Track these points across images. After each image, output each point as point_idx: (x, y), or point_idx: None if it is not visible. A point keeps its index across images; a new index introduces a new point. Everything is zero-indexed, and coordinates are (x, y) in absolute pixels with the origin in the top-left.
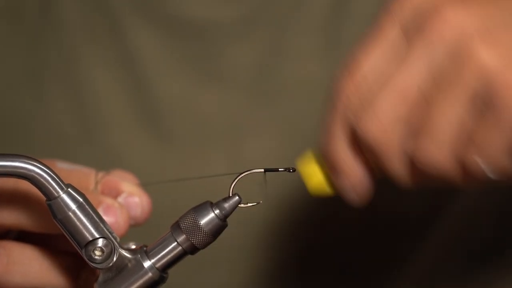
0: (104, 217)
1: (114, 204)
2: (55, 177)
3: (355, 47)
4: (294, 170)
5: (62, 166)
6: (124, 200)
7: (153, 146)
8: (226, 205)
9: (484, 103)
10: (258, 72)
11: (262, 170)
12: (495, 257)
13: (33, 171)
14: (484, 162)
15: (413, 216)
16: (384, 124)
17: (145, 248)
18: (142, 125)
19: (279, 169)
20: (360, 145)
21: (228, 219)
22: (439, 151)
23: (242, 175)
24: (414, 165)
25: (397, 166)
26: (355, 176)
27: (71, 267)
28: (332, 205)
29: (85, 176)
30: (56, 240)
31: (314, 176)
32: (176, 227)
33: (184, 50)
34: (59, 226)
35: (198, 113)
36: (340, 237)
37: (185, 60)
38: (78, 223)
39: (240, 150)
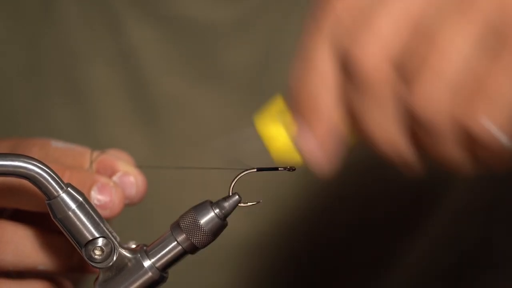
0: (99, 196)
1: (109, 183)
2: (55, 176)
3: None
4: (293, 169)
5: (56, 145)
6: (119, 179)
7: (149, 144)
8: (226, 204)
9: (500, 38)
10: (255, 73)
11: (262, 169)
12: (483, 258)
13: (33, 170)
14: (496, 120)
15: (402, 215)
16: (385, 49)
17: (145, 248)
18: (139, 123)
19: (279, 168)
20: (347, 80)
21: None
22: (438, 98)
23: (242, 174)
24: (408, 114)
25: (388, 111)
26: (329, 126)
27: (64, 247)
28: (323, 206)
29: (80, 154)
30: (50, 220)
31: (279, 136)
32: (176, 227)
33: (182, 49)
34: (59, 226)
35: (194, 113)
36: (332, 237)
37: (182, 60)
38: (78, 223)
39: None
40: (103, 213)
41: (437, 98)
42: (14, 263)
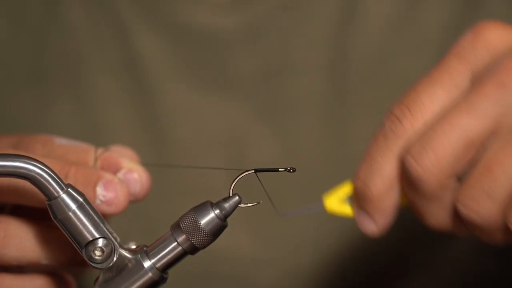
0: (104, 192)
1: (114, 179)
2: (55, 177)
3: (417, 83)
4: (294, 170)
5: (60, 142)
6: (124, 176)
7: (154, 152)
8: (226, 205)
9: None
10: (261, 83)
11: (263, 170)
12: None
13: (33, 171)
14: None
15: (412, 247)
16: (441, 162)
17: (145, 248)
18: (144, 130)
19: (279, 169)
20: (405, 180)
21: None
22: (489, 205)
23: (243, 175)
24: (456, 213)
25: (439, 210)
26: (388, 216)
27: (67, 241)
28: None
29: (84, 151)
30: None
31: (343, 215)
32: (176, 227)
33: (188, 57)
34: (59, 226)
35: (199, 121)
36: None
37: (189, 68)
38: (78, 223)
39: (240, 160)
40: (109, 209)
41: (487, 207)
42: (18, 258)
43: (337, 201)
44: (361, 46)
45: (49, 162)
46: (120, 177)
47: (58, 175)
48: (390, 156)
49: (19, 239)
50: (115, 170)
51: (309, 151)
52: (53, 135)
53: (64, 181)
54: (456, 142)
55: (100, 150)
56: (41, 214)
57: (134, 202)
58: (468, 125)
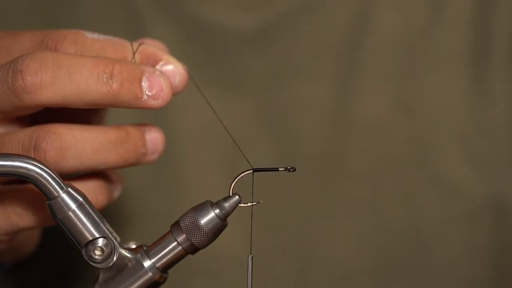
0: (150, 87)
1: (157, 72)
2: (55, 176)
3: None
4: (294, 170)
5: (93, 36)
6: (161, 67)
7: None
8: (226, 204)
9: None
10: (267, 85)
11: (263, 169)
12: None
13: (33, 170)
14: None
15: None
16: None
17: (145, 248)
18: (147, 122)
19: (279, 169)
20: None
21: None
22: None
23: (243, 174)
24: None
25: None
26: None
27: (120, 141)
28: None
29: (121, 46)
30: (95, 111)
31: None
32: (177, 227)
33: (198, 52)
34: (59, 226)
35: (203, 117)
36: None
37: (197, 63)
38: (78, 223)
39: (239, 160)
40: (155, 103)
41: None
42: (75, 167)
43: None
44: (369, 57)
45: (91, 61)
46: (159, 69)
47: (105, 71)
48: None
49: (75, 149)
50: (153, 63)
51: (309, 156)
52: (81, 30)
53: (112, 80)
54: None
55: (135, 44)
56: (89, 114)
57: (174, 95)
58: None
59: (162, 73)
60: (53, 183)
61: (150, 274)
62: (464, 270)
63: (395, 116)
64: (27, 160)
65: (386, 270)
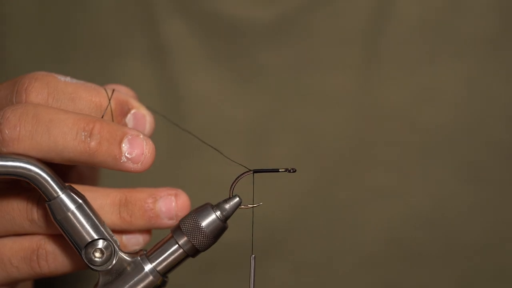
0: (130, 149)
1: (139, 135)
2: (54, 177)
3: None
4: (294, 171)
5: (65, 79)
6: (133, 115)
7: (173, 139)
8: (227, 206)
9: None
10: (287, 77)
11: (263, 170)
12: None
13: (33, 171)
14: None
15: None
16: None
17: (145, 252)
18: (167, 115)
19: (280, 170)
20: None
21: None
22: None
23: (243, 175)
24: None
25: None
26: None
27: None
28: None
29: (96, 91)
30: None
31: None
32: (177, 229)
33: (216, 46)
34: (58, 228)
35: (222, 111)
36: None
37: (216, 57)
38: (77, 224)
39: (260, 153)
40: (135, 167)
41: None
42: None
43: None
44: (391, 47)
45: (72, 117)
46: (131, 117)
47: (85, 128)
48: None
49: None
50: (126, 110)
51: (328, 147)
52: (53, 73)
53: (90, 138)
54: None
55: (109, 90)
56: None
57: None
58: None
59: (146, 138)
60: (53, 184)
61: (151, 277)
62: (490, 257)
63: (419, 103)
64: (27, 160)
65: (412, 258)
